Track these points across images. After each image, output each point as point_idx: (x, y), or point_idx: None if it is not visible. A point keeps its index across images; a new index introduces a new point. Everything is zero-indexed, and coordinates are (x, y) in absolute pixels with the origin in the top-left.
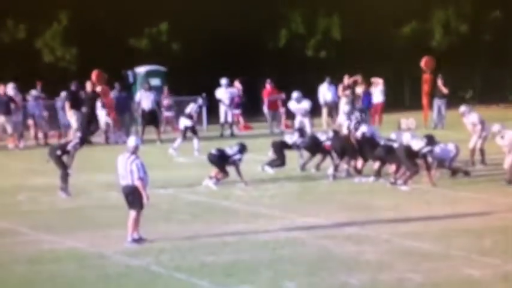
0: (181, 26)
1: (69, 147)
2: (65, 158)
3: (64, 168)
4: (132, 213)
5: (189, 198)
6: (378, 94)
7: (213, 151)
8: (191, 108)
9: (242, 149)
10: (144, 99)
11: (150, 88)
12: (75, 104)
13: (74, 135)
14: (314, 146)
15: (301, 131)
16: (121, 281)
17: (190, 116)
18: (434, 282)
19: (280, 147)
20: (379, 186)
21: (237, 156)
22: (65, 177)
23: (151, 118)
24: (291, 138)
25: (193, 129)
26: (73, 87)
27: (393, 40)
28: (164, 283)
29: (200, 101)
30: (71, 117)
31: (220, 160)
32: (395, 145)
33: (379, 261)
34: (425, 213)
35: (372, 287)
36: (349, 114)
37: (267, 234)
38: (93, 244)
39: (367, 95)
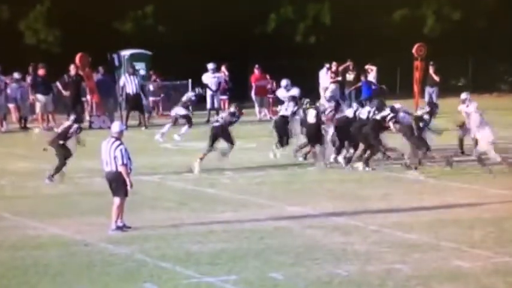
0: (167, 8)
1: (70, 134)
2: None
3: (63, 158)
4: (116, 200)
5: (175, 185)
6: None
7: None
8: (187, 97)
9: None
10: (128, 84)
11: (135, 72)
12: (41, 89)
13: (69, 121)
14: (313, 134)
15: (295, 99)
16: (105, 269)
17: (186, 106)
18: (423, 274)
19: (282, 124)
20: (368, 175)
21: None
22: (60, 167)
23: (136, 103)
24: (287, 109)
25: (188, 118)
26: (40, 71)
27: (384, 26)
28: (149, 271)
29: (197, 90)
30: (36, 102)
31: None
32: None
33: (367, 252)
34: (415, 203)
35: (360, 278)
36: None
37: (254, 223)
38: (78, 231)
39: (366, 84)
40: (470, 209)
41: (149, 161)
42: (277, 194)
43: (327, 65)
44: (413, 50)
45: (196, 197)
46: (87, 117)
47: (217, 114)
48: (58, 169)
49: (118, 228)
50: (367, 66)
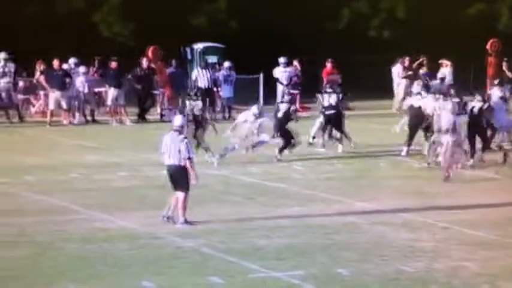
0: (240, 3)
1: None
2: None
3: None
4: (181, 195)
5: (243, 179)
6: (447, 76)
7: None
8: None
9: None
10: (200, 78)
11: (207, 66)
12: (113, 82)
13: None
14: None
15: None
16: (172, 262)
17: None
18: (490, 272)
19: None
20: (437, 172)
21: None
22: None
23: (208, 97)
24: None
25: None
26: (112, 64)
27: (459, 21)
28: (215, 265)
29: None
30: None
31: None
32: None
33: (435, 249)
34: (483, 200)
35: (427, 275)
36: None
37: (322, 219)
38: (146, 224)
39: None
40: None
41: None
42: (346, 190)
43: (400, 60)
44: (487, 46)
45: (264, 192)
46: (159, 110)
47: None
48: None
49: (186, 222)
50: (441, 61)
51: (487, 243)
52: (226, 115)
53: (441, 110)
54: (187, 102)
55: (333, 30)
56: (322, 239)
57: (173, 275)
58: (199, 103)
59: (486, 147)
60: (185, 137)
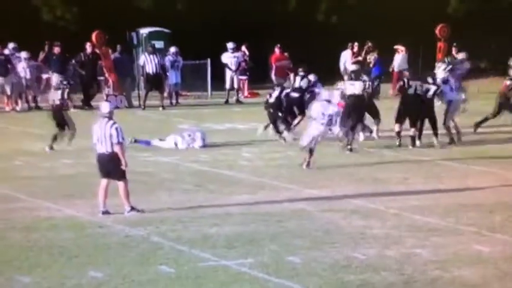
0: None
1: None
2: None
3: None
4: (121, 184)
5: (193, 167)
6: (401, 61)
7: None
8: None
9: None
10: (148, 63)
11: (155, 51)
12: (57, 68)
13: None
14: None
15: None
16: (121, 251)
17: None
18: (442, 258)
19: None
20: (389, 158)
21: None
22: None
23: (156, 83)
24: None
25: None
26: (55, 49)
27: (408, 6)
28: (165, 254)
29: None
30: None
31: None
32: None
33: (386, 235)
34: (435, 187)
35: (379, 262)
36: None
37: (272, 206)
38: (93, 213)
39: (379, 63)
40: (491, 193)
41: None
42: (295, 177)
43: (350, 45)
44: (437, 31)
45: (213, 179)
46: (104, 97)
47: (237, 94)
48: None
49: (133, 209)
50: (396, 47)
51: (438, 230)
52: (174, 101)
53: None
54: None
55: (281, 14)
56: (272, 226)
57: (122, 264)
58: None
59: (436, 132)
60: (115, 122)
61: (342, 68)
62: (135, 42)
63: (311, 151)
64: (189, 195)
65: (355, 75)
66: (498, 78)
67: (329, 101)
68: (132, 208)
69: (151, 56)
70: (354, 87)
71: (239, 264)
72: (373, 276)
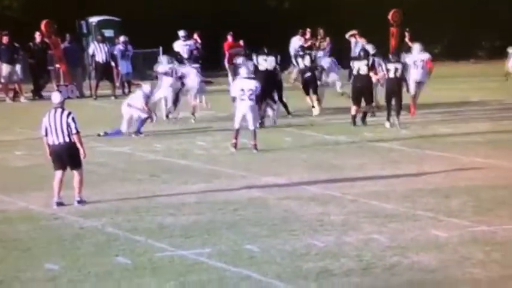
0: None
1: None
2: None
3: None
4: (77, 174)
5: (146, 156)
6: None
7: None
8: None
9: None
10: (97, 52)
11: (104, 40)
12: (5, 58)
13: None
14: None
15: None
16: (76, 243)
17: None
18: (400, 244)
19: None
20: (344, 145)
21: None
22: None
23: (106, 72)
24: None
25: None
26: (4, 39)
27: None
28: (121, 245)
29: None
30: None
31: None
32: None
33: (344, 222)
34: (391, 172)
35: (337, 249)
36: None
37: (228, 195)
38: (47, 205)
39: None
40: (447, 178)
41: None
42: (251, 165)
43: (301, 32)
44: (389, 16)
45: (168, 169)
46: (55, 87)
47: None
48: None
49: (81, 201)
50: (350, 33)
51: (396, 216)
52: (126, 90)
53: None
54: None
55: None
56: (229, 215)
57: (77, 256)
58: None
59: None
60: (70, 111)
61: (292, 53)
62: (84, 31)
63: (237, 132)
64: (144, 185)
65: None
66: (452, 63)
67: (249, 77)
68: (81, 200)
69: (100, 44)
70: (266, 63)
71: (196, 254)
72: (332, 263)
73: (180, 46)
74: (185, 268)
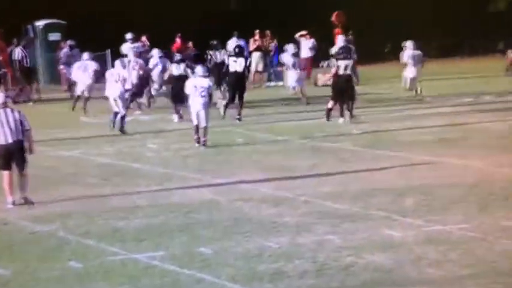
0: None
1: None
2: None
3: None
4: (25, 173)
5: (96, 160)
6: (306, 49)
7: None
8: None
9: None
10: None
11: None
12: None
13: None
14: None
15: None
16: (26, 248)
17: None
18: (354, 244)
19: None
20: (295, 145)
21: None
22: None
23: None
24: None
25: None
26: None
27: None
28: (72, 249)
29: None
30: None
31: None
32: None
33: (298, 223)
34: (344, 172)
35: (291, 250)
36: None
37: (180, 197)
38: None
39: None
40: (400, 177)
41: (69, 135)
42: (203, 167)
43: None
44: (333, 18)
45: (120, 172)
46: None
47: None
48: None
49: (27, 202)
50: (299, 33)
51: (349, 216)
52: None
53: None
54: None
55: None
56: (181, 218)
57: (28, 261)
58: None
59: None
60: (19, 110)
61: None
62: (31, 35)
63: (197, 128)
64: (95, 189)
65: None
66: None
67: (204, 76)
68: (30, 200)
69: (25, 49)
70: (236, 64)
71: (149, 257)
72: (286, 264)
73: (128, 49)
74: (138, 272)
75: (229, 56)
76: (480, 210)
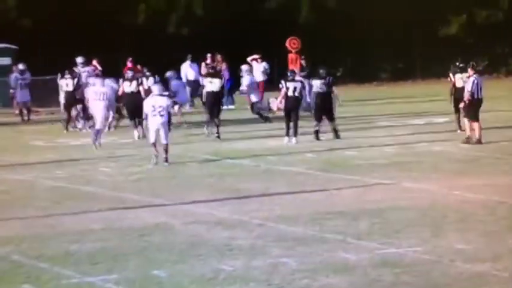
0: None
1: None
2: None
3: None
4: None
5: (48, 183)
6: (259, 72)
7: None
8: None
9: None
10: None
11: None
12: None
13: None
14: None
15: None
16: None
17: None
18: (309, 267)
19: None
20: (249, 169)
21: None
22: None
23: None
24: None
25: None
26: None
27: (258, 15)
28: (26, 272)
29: None
30: None
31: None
32: None
33: (252, 246)
34: (298, 196)
35: (246, 273)
36: None
37: (134, 221)
38: None
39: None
40: (354, 200)
41: (19, 159)
42: (157, 190)
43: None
44: (287, 44)
45: (72, 195)
46: None
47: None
48: None
49: None
50: (251, 57)
51: (304, 239)
52: (26, 118)
53: None
54: None
55: (131, 26)
56: (135, 241)
57: None
58: None
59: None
60: None
61: (184, 79)
62: None
63: (154, 145)
64: (47, 212)
65: None
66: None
67: (161, 95)
68: None
69: None
70: (212, 85)
71: (103, 280)
72: (241, 287)
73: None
74: None
75: (204, 76)
76: (434, 233)
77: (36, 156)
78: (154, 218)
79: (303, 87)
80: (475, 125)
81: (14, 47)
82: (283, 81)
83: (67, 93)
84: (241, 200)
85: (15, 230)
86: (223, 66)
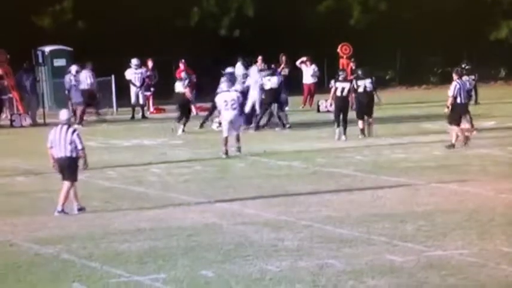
0: (87, 3)
1: None
2: None
3: None
4: (66, 184)
5: (101, 184)
6: (308, 75)
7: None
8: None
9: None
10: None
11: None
12: None
13: None
14: None
15: None
16: (31, 270)
17: None
18: (355, 269)
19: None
20: (298, 170)
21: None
22: None
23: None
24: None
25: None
26: None
27: (309, 18)
28: (77, 271)
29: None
30: None
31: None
32: None
33: (299, 247)
34: (345, 197)
35: (292, 274)
36: None
37: (183, 221)
38: (1, 231)
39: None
40: (401, 203)
41: None
42: (205, 191)
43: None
44: (338, 50)
45: (123, 196)
46: (8, 116)
47: (142, 110)
48: None
49: (62, 211)
50: (301, 60)
51: (351, 240)
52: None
53: None
54: None
55: (184, 29)
56: (183, 241)
57: (34, 283)
58: None
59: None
60: (75, 129)
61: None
62: (40, 60)
63: (226, 140)
64: (98, 212)
65: None
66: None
67: (228, 91)
68: (63, 211)
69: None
70: (271, 82)
71: (152, 280)
72: None
73: (131, 74)
74: None
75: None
76: (480, 236)
77: (88, 157)
78: (202, 218)
79: (353, 88)
80: (455, 128)
81: (69, 48)
82: (332, 82)
83: (178, 94)
84: (288, 201)
85: (66, 230)
86: (286, 69)
